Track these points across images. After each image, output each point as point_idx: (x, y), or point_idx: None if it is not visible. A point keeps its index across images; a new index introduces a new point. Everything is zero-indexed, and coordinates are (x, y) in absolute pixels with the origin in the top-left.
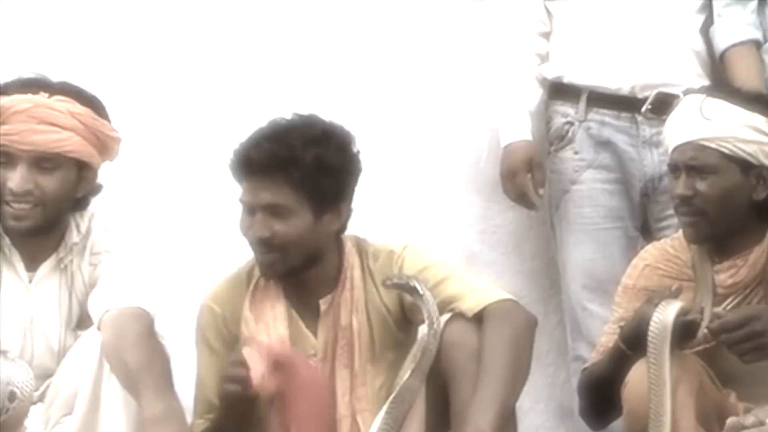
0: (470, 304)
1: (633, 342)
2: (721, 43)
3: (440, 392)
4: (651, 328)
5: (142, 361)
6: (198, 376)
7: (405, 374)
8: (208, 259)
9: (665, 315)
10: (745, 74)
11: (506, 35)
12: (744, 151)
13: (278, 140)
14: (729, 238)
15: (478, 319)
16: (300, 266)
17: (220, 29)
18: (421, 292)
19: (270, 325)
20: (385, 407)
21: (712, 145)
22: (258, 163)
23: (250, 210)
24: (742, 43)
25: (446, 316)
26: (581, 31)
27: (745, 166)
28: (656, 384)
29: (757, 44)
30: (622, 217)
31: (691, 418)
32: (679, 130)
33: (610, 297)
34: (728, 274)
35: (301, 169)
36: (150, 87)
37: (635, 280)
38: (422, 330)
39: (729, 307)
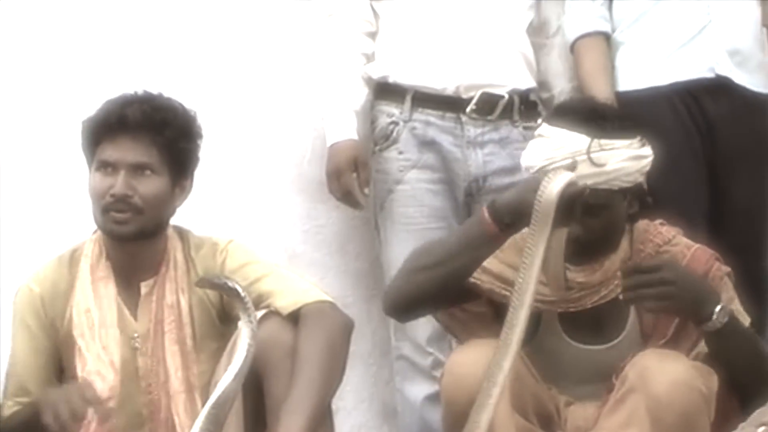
0: (286, 303)
1: (507, 215)
2: (570, 35)
3: (256, 390)
4: (539, 194)
5: None
6: (12, 355)
7: (226, 378)
8: None
9: (556, 182)
10: (592, 65)
11: (332, 35)
12: (627, 181)
13: (150, 103)
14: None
15: (294, 318)
16: (147, 232)
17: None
18: (242, 294)
19: (101, 307)
20: (204, 411)
21: (603, 187)
22: (133, 122)
23: (113, 169)
24: (590, 34)
25: (260, 313)
26: (407, 31)
27: (625, 191)
28: (528, 258)
29: (606, 36)
30: (446, 217)
31: (507, 404)
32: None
33: None
34: (582, 274)
35: (171, 132)
36: None
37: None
38: (243, 333)
39: (576, 304)
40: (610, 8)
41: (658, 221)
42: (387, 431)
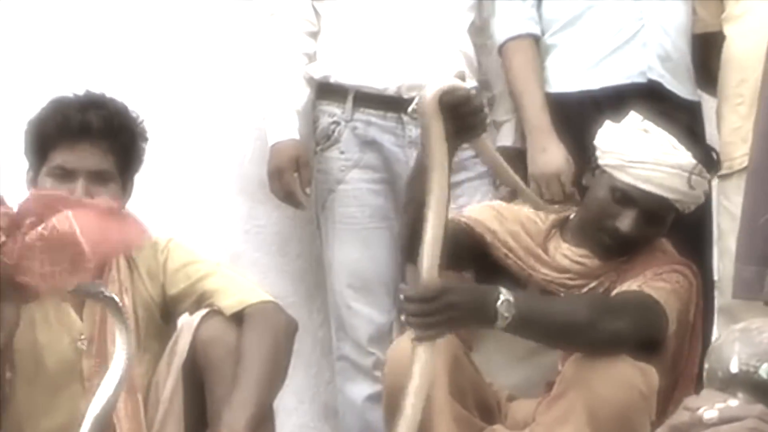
0: (230, 303)
1: None
2: (499, 37)
3: (197, 389)
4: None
5: None
6: None
7: (106, 390)
8: None
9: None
10: (521, 67)
11: (274, 34)
12: (687, 203)
13: (106, 108)
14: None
15: (237, 318)
16: None
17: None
18: (119, 305)
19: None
20: (87, 424)
21: (677, 205)
22: (95, 129)
23: (70, 175)
24: (519, 36)
25: (203, 312)
26: (348, 30)
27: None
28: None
29: (536, 38)
30: (387, 217)
31: (445, 392)
32: (662, 182)
33: (375, 296)
34: (586, 257)
35: (126, 137)
36: None
37: (477, 213)
38: (118, 343)
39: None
40: (539, 10)
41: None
42: (327, 431)
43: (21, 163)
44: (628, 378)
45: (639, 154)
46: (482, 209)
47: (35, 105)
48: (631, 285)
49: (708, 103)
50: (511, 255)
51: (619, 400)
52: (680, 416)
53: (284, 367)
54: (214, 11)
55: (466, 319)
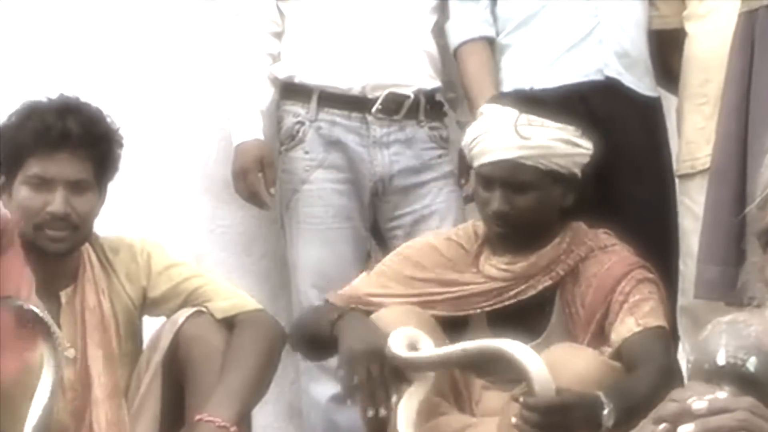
0: (223, 305)
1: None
2: (453, 40)
3: (176, 385)
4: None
5: None
6: None
7: (40, 401)
8: None
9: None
10: (477, 71)
11: (238, 35)
12: (557, 164)
13: (85, 115)
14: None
15: (227, 322)
16: (79, 246)
17: None
18: (45, 320)
19: None
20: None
21: (529, 163)
22: (76, 138)
23: (48, 185)
24: (473, 39)
25: (189, 311)
26: (312, 31)
27: (556, 177)
28: None
29: (490, 41)
30: (352, 217)
31: None
32: (494, 146)
33: None
34: (505, 262)
35: (105, 145)
36: None
37: (411, 253)
38: (46, 357)
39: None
40: (493, 12)
41: (602, 230)
42: (292, 431)
43: None
44: (593, 374)
45: (473, 134)
46: (390, 284)
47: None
48: (624, 322)
49: (667, 101)
50: (438, 308)
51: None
52: (666, 407)
53: (271, 374)
54: (179, 11)
55: (574, 429)
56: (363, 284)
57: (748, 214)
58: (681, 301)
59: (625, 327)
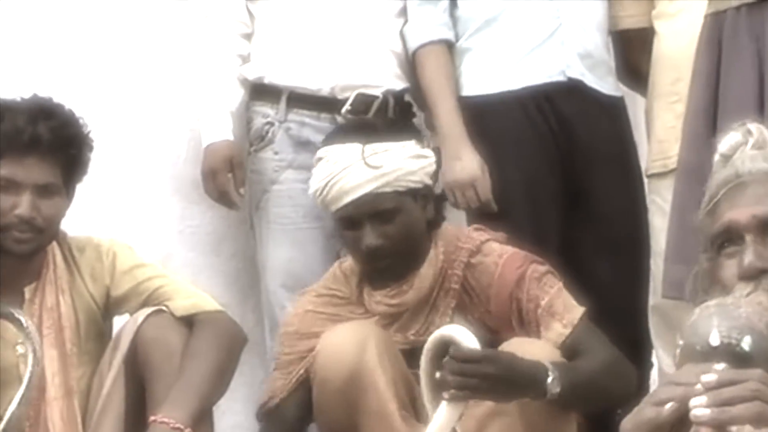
0: (183, 304)
1: None
2: (412, 43)
3: (138, 385)
4: None
5: None
6: None
7: (12, 405)
8: None
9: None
10: (435, 74)
11: (207, 36)
12: (412, 181)
13: (56, 119)
14: (396, 258)
15: (187, 323)
16: (43, 247)
17: None
18: (25, 324)
19: None
20: None
21: (388, 189)
22: (45, 143)
23: (16, 188)
24: (432, 42)
25: (148, 310)
26: (282, 32)
27: (414, 193)
28: None
29: (449, 44)
30: (321, 216)
31: (385, 385)
32: (350, 184)
33: None
34: (394, 296)
35: (75, 149)
36: None
37: (297, 327)
38: (30, 361)
39: (399, 328)
40: (453, 15)
41: (472, 226)
42: None
43: None
44: (549, 355)
45: (321, 179)
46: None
47: None
48: (551, 328)
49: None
50: None
51: None
52: (666, 389)
53: (230, 375)
54: (150, 12)
55: (513, 393)
56: (275, 384)
57: (696, 220)
58: (652, 300)
59: (554, 332)
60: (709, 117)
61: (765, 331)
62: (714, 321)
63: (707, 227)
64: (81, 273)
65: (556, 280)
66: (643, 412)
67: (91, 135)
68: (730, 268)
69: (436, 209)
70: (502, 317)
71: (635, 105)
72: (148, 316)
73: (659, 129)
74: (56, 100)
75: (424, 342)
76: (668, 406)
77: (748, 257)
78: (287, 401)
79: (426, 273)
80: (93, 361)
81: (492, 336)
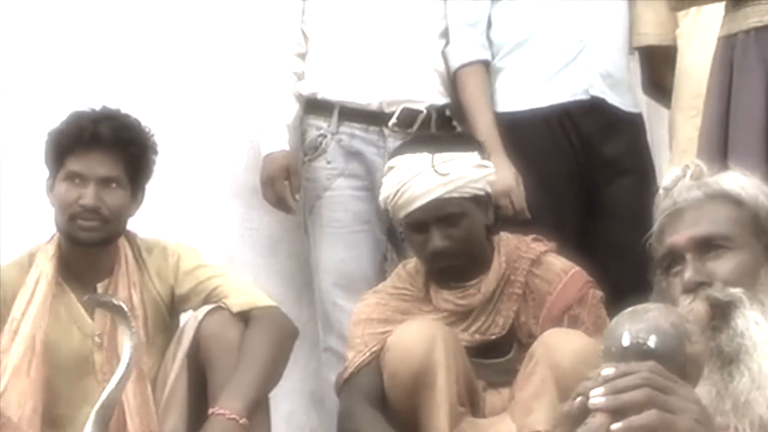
0: (239, 301)
1: None
2: (453, 62)
3: (201, 377)
4: None
5: None
6: None
7: (111, 384)
8: None
9: None
10: (474, 92)
11: (267, 55)
12: (475, 188)
13: (118, 120)
14: (462, 260)
15: (242, 317)
16: (109, 239)
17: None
18: (127, 313)
19: (33, 300)
20: (92, 414)
21: (455, 195)
22: (105, 139)
23: (82, 180)
24: (471, 63)
25: (208, 307)
26: (334, 52)
27: (477, 200)
28: None
29: (486, 64)
30: (369, 221)
31: (446, 381)
32: (420, 190)
33: (359, 293)
34: (462, 297)
35: (136, 149)
36: None
37: (369, 314)
38: (126, 346)
39: (465, 327)
40: (489, 37)
41: (530, 236)
42: (314, 417)
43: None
44: (589, 350)
45: (392, 187)
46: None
47: (39, 117)
48: None
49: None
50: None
51: (583, 370)
52: (582, 384)
53: (282, 366)
54: (215, 34)
55: None
56: (351, 361)
57: (648, 249)
58: None
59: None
60: (721, 133)
61: (670, 330)
62: (626, 325)
63: (657, 252)
64: (149, 272)
65: (603, 310)
66: (564, 406)
67: (154, 140)
68: (677, 285)
69: (495, 215)
70: (547, 324)
71: (660, 116)
72: (208, 312)
73: (681, 139)
74: (125, 110)
75: (486, 340)
76: (578, 400)
77: (688, 273)
78: (364, 371)
79: (491, 277)
80: (159, 353)
81: (527, 339)
